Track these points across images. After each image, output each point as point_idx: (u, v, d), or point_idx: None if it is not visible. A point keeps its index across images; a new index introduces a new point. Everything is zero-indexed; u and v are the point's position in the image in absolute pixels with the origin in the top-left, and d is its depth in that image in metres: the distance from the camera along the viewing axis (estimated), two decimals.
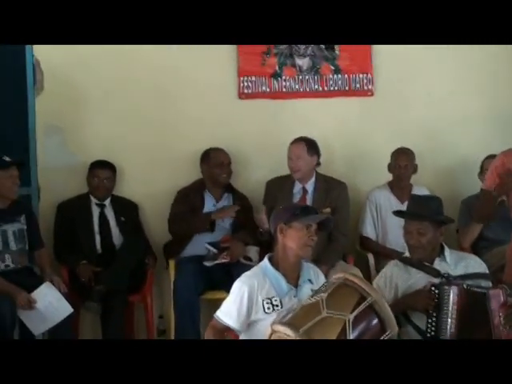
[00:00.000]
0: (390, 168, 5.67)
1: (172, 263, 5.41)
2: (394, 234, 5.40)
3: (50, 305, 4.80)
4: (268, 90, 5.85)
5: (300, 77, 5.87)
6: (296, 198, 5.45)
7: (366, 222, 5.65)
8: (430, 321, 3.88)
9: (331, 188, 5.47)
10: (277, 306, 3.64)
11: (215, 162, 5.56)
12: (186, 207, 5.50)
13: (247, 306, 3.64)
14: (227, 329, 3.72)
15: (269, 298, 3.66)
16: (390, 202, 5.60)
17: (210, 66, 5.78)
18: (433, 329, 3.88)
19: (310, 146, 5.44)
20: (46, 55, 5.59)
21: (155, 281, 5.61)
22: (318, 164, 5.50)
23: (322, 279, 3.83)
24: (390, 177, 5.72)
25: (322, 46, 5.85)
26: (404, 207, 5.48)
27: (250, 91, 5.84)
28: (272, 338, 3.35)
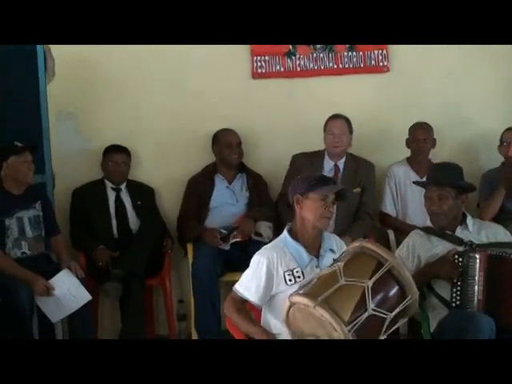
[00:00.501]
0: (408, 143, 5.58)
1: (190, 247, 5.34)
2: (414, 209, 5.36)
3: (68, 292, 4.76)
4: (282, 68, 5.77)
5: (314, 55, 5.78)
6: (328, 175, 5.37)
7: (386, 198, 5.58)
8: (454, 290, 3.82)
9: (361, 167, 5.47)
10: (299, 277, 3.56)
11: (224, 143, 5.52)
12: (195, 202, 5.48)
13: (266, 279, 3.56)
14: (246, 301, 3.64)
15: (290, 270, 3.57)
16: (409, 177, 5.50)
17: (223, 46, 5.68)
18: (458, 298, 3.82)
19: (349, 123, 5.45)
20: None
21: (174, 265, 5.56)
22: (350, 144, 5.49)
23: (344, 249, 3.74)
24: (408, 153, 5.62)
25: None
26: None
27: (263, 70, 5.76)
28: (291, 311, 3.28)
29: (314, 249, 3.67)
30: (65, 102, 5.62)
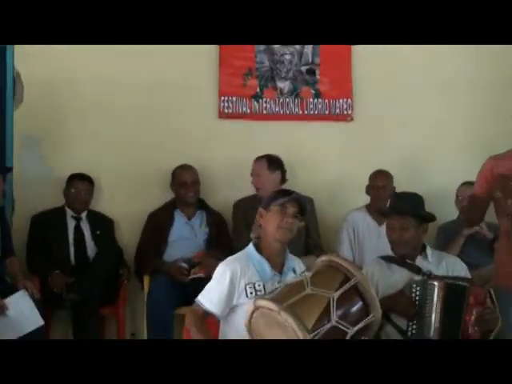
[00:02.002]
0: (368, 189, 5.68)
1: (147, 279, 5.33)
2: (371, 255, 5.38)
3: (21, 314, 4.70)
4: (248, 110, 5.89)
5: (280, 99, 5.92)
6: None
7: (343, 244, 5.63)
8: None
9: None
10: (260, 290, 3.58)
11: (179, 181, 5.59)
12: (154, 235, 5.51)
13: (228, 290, 3.58)
14: (208, 314, 3.64)
15: (252, 283, 3.60)
16: (367, 224, 5.60)
17: (192, 85, 5.82)
18: (414, 327, 3.84)
19: (272, 162, 5.54)
20: (27, 68, 5.61)
21: (129, 298, 5.54)
22: (284, 180, 5.56)
23: None
24: (367, 200, 5.72)
25: (303, 70, 5.93)
26: (382, 229, 5.49)
27: (230, 111, 5.87)
28: (254, 316, 3.29)
29: (278, 265, 3.70)
30: (30, 128, 5.63)
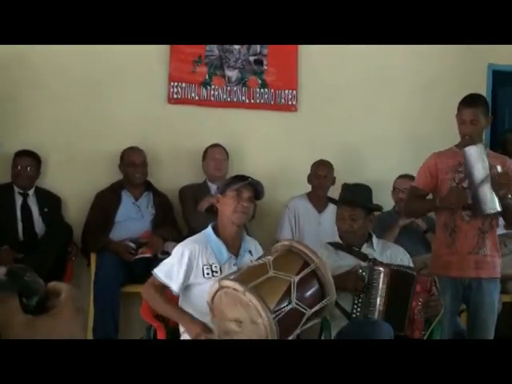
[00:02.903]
0: (310, 178, 5.92)
1: (93, 257, 5.45)
2: (311, 241, 5.60)
3: None
4: (197, 97, 6.04)
5: (228, 87, 6.09)
6: None
7: (284, 227, 5.86)
8: (356, 301, 4.10)
9: None
10: (216, 272, 3.77)
11: (128, 161, 5.72)
12: (101, 215, 5.62)
13: (186, 267, 3.75)
14: (165, 287, 3.81)
15: (209, 264, 3.79)
16: (307, 211, 5.85)
17: (142, 70, 5.94)
18: (358, 309, 4.09)
19: (226, 152, 5.86)
20: None
21: (74, 275, 5.60)
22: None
23: (261, 253, 3.98)
24: (309, 188, 5.96)
25: (251, 60, 6.11)
26: (321, 217, 5.79)
27: (179, 97, 6.01)
28: (217, 294, 3.47)
29: (234, 247, 3.91)
30: None
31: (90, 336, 5.26)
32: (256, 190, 3.93)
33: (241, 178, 3.95)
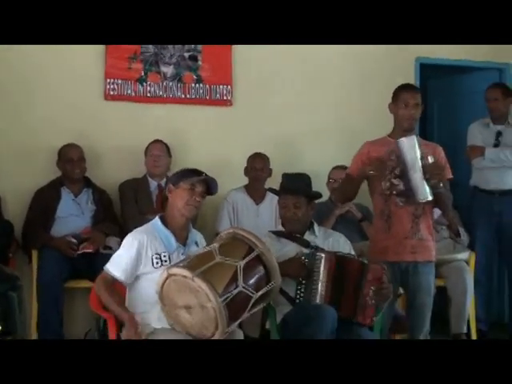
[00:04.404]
0: (247, 171, 6.06)
1: (35, 253, 5.47)
2: None
3: None
4: (133, 93, 6.11)
5: (164, 83, 6.18)
6: (154, 195, 5.85)
7: (223, 220, 5.96)
8: (299, 287, 4.23)
9: None
10: (165, 261, 3.86)
11: (65, 158, 5.75)
12: (41, 212, 5.64)
13: (135, 258, 3.83)
14: (115, 281, 3.88)
15: (158, 254, 3.87)
16: (245, 203, 5.99)
17: (78, 66, 5.98)
18: (302, 295, 4.22)
19: (167, 148, 5.94)
20: None
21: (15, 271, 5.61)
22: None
23: (204, 245, 4.09)
24: (246, 181, 6.09)
25: (186, 56, 6.20)
26: (259, 208, 5.93)
27: (115, 93, 6.07)
28: (166, 282, 3.58)
29: (182, 238, 4.00)
30: None
31: (34, 332, 5.31)
32: (209, 185, 4.04)
33: (195, 172, 4.05)
